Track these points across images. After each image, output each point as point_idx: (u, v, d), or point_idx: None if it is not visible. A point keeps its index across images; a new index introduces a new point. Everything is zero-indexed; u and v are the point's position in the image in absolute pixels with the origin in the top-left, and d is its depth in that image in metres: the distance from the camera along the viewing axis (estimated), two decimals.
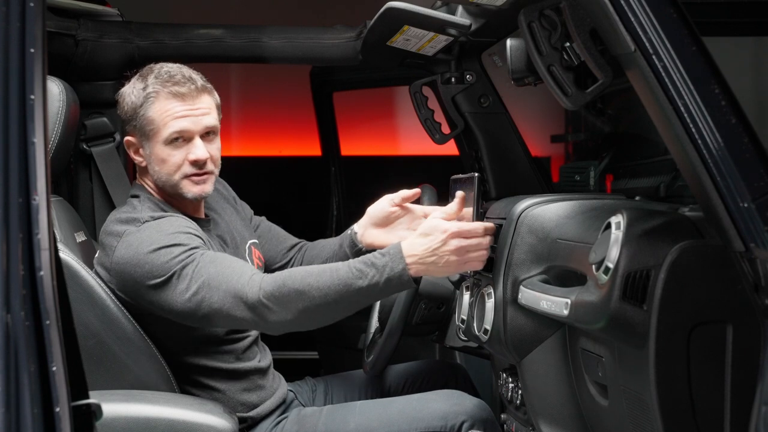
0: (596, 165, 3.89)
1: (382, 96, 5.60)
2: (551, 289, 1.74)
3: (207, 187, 2.11)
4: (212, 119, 2.10)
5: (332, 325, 1.98)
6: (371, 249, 2.25)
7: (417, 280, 1.92)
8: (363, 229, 2.28)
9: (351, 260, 1.91)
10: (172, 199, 2.14)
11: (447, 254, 1.89)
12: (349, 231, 2.31)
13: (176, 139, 2.06)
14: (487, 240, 1.92)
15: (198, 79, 2.10)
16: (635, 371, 1.52)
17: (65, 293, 1.30)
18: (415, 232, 1.94)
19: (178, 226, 2.01)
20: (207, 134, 2.10)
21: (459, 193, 2.00)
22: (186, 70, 2.10)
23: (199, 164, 2.08)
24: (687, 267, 1.44)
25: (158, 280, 1.93)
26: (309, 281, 1.88)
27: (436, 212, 2.01)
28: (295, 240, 2.46)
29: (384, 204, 2.24)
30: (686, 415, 1.46)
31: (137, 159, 2.13)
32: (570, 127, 5.25)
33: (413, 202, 2.39)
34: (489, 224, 1.95)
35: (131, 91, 2.09)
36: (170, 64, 2.12)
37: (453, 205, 1.98)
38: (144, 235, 1.98)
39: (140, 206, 2.09)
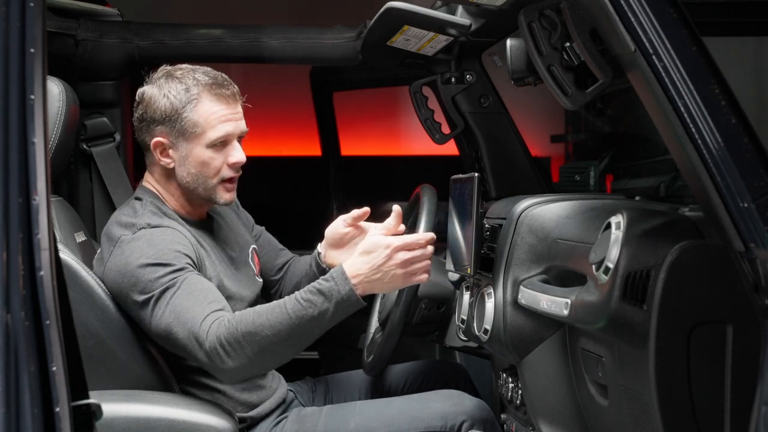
0: (596, 165, 3.89)
1: (382, 96, 5.59)
2: (551, 289, 1.74)
3: (235, 193, 2.16)
4: (245, 124, 2.13)
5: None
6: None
7: (366, 299, 1.92)
8: (324, 250, 2.30)
9: (298, 291, 1.90)
10: (186, 204, 2.14)
11: (393, 269, 1.90)
12: (315, 252, 2.33)
13: (220, 142, 2.07)
14: (429, 250, 1.94)
15: (232, 82, 2.12)
16: (635, 371, 1.52)
17: (65, 293, 1.30)
18: (356, 251, 1.93)
19: (170, 240, 1.99)
20: (239, 138, 2.13)
21: (396, 207, 2.06)
22: (221, 74, 2.11)
23: (237, 167, 2.11)
24: (687, 267, 1.44)
25: (140, 297, 1.93)
26: (260, 321, 1.85)
27: (374, 229, 2.11)
28: (289, 256, 2.47)
29: (338, 225, 2.25)
30: (686, 415, 1.46)
31: (165, 160, 2.10)
32: (570, 127, 5.25)
33: (412, 206, 2.39)
34: (429, 234, 1.95)
35: (167, 93, 2.05)
36: (202, 67, 2.12)
37: (391, 220, 2.08)
38: (135, 245, 1.97)
39: (141, 210, 2.08)
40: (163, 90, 2.06)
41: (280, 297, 2.38)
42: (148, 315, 1.93)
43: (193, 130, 2.05)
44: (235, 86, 2.13)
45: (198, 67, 2.12)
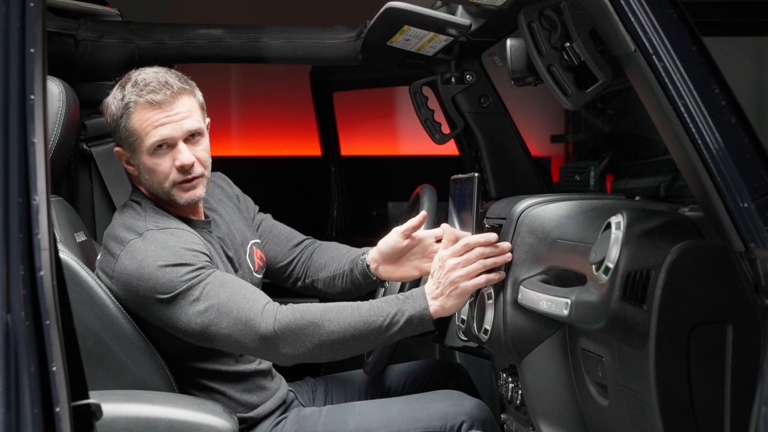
0: (596, 165, 3.89)
1: (382, 96, 5.60)
2: (551, 289, 1.74)
3: (197, 191, 2.09)
4: (194, 122, 2.06)
5: None
6: (387, 281, 2.29)
7: (434, 323, 1.95)
8: (375, 264, 2.23)
9: (373, 300, 1.96)
10: (168, 205, 2.13)
11: (449, 278, 1.92)
12: (359, 259, 2.27)
13: (160, 146, 2.04)
14: (477, 251, 1.92)
15: (174, 82, 2.05)
16: (635, 371, 1.52)
17: (65, 293, 1.30)
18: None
19: (183, 241, 1.99)
20: (191, 137, 2.07)
21: (444, 226, 2.06)
22: (162, 75, 2.06)
23: (185, 169, 2.05)
24: (687, 267, 1.43)
25: (163, 296, 1.93)
26: (328, 316, 1.90)
27: (430, 237, 2.18)
28: (301, 237, 2.42)
29: (395, 239, 2.18)
30: (686, 415, 1.46)
31: (129, 168, 2.12)
32: (570, 127, 5.26)
33: (412, 206, 2.38)
34: (476, 237, 1.94)
35: (111, 103, 2.07)
36: (148, 70, 2.08)
37: (409, 223, 2.14)
38: (149, 248, 1.97)
39: (144, 213, 2.07)
40: (111, 99, 2.08)
41: (296, 279, 2.37)
42: (176, 312, 1.93)
43: (132, 140, 2.05)
44: (176, 86, 2.04)
45: (143, 71, 2.07)
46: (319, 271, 2.36)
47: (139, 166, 2.08)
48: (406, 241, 2.18)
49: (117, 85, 2.09)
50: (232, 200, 2.34)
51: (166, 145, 2.04)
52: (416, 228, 2.17)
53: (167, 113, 2.03)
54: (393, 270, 2.22)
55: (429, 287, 1.96)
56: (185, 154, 2.05)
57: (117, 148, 2.12)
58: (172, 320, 1.94)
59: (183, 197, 2.07)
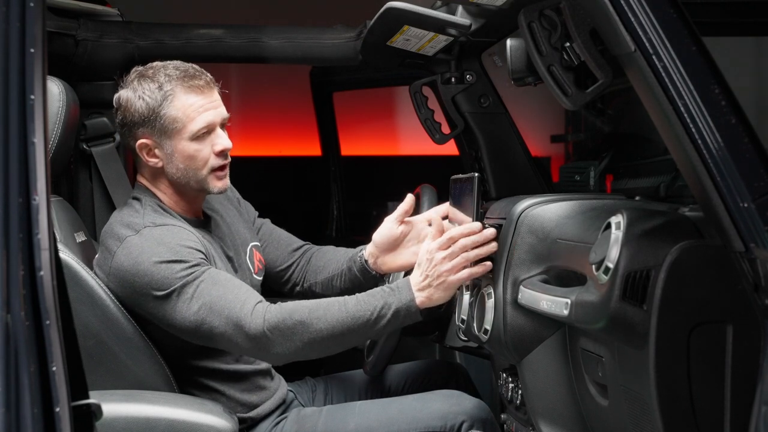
0: (596, 165, 3.89)
1: (382, 96, 5.60)
2: (551, 289, 1.74)
3: (228, 180, 2.14)
4: (225, 110, 2.12)
5: None
6: (387, 274, 2.29)
7: (422, 312, 1.95)
8: (373, 258, 2.24)
9: (360, 293, 1.96)
10: (180, 200, 2.14)
11: (436, 270, 1.93)
12: (357, 256, 2.28)
13: (203, 132, 2.07)
14: (461, 243, 1.93)
15: (205, 71, 2.12)
16: (635, 371, 1.52)
17: (65, 293, 1.30)
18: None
19: (179, 238, 2.00)
20: (222, 125, 2.12)
21: (410, 196, 2.10)
22: (190, 65, 2.11)
23: (225, 153, 2.10)
24: (687, 267, 1.44)
25: (158, 293, 1.94)
26: (316, 314, 1.90)
27: (422, 223, 2.20)
28: (300, 243, 2.44)
29: (389, 226, 2.20)
30: (686, 415, 1.46)
31: (153, 161, 2.10)
32: (570, 127, 5.26)
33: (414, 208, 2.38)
34: (459, 228, 1.95)
35: (141, 94, 2.06)
36: (166, 63, 2.11)
37: (400, 208, 2.17)
38: (145, 244, 1.97)
39: (142, 210, 2.08)
40: (137, 92, 2.07)
41: (294, 284, 2.37)
42: (170, 309, 1.94)
43: (173, 126, 2.06)
44: (208, 75, 2.11)
45: (169, 62, 2.11)
46: (317, 274, 2.36)
47: (173, 154, 2.08)
48: (401, 227, 2.20)
49: (136, 79, 2.08)
50: (233, 203, 2.35)
51: (206, 132, 2.07)
52: (408, 212, 2.20)
53: (209, 99, 2.08)
54: (392, 259, 2.23)
55: (415, 278, 1.96)
56: (225, 138, 2.10)
57: (142, 140, 2.09)
58: (167, 317, 1.95)
59: (217, 186, 2.12)
